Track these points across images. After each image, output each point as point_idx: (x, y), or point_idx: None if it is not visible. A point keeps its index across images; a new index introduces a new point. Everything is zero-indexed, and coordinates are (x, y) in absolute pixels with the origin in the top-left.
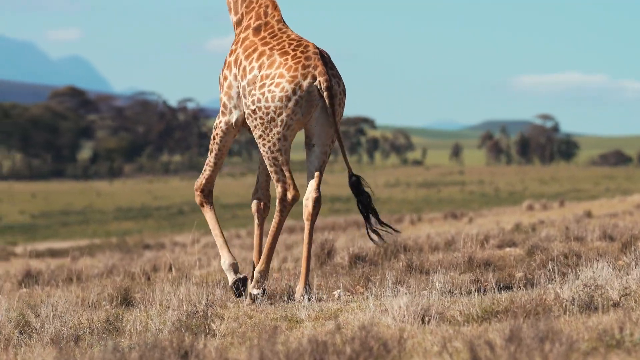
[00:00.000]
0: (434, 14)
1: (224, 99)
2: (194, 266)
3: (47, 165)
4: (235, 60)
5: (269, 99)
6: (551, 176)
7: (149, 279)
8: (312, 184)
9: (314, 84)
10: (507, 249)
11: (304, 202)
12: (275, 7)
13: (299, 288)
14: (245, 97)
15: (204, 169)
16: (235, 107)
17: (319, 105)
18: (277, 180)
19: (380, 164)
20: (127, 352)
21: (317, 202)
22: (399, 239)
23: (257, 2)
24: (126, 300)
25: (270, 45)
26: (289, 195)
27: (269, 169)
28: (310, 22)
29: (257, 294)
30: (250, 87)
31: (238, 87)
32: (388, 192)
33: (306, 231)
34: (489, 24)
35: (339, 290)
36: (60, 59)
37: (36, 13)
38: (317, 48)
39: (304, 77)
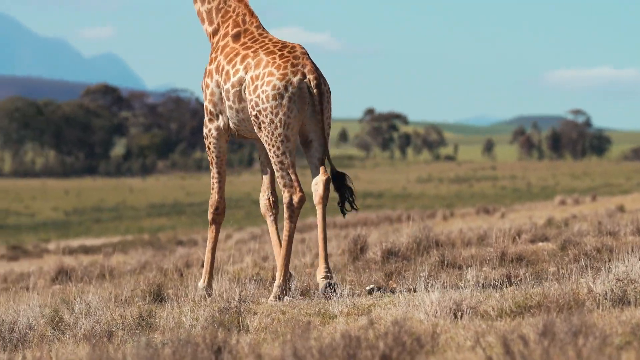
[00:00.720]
0: (466, 9)
1: (209, 106)
2: (227, 262)
3: (80, 162)
4: (217, 67)
5: (264, 100)
6: (583, 171)
7: (181, 275)
8: (319, 169)
9: (304, 80)
10: (540, 244)
11: (313, 187)
12: (252, 14)
13: (319, 272)
14: (229, 100)
15: (212, 184)
16: (220, 112)
17: (310, 103)
18: (284, 185)
19: (413, 160)
20: (160, 348)
21: (327, 183)
22: (432, 234)
23: (233, 11)
24: (159, 297)
25: (253, 49)
26: (295, 199)
27: (276, 174)
28: (340, 17)
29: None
30: (235, 88)
31: (221, 93)
32: (420, 188)
33: (320, 215)
34: (521, 19)
35: (371, 286)
36: (94, 57)
37: (69, 11)
38: (304, 49)
39: (294, 74)
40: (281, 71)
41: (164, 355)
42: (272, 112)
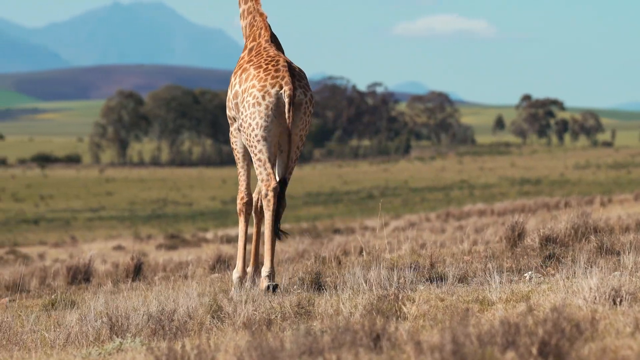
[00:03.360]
0: None
1: (228, 112)
2: (384, 250)
3: None
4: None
5: (246, 108)
6: None
7: (339, 263)
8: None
9: (280, 91)
10: None
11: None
12: (266, 29)
13: (264, 270)
14: (233, 110)
15: (238, 180)
16: (234, 118)
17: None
18: (261, 180)
19: (570, 146)
20: (319, 335)
21: (278, 191)
22: (590, 221)
23: (256, 26)
24: (317, 284)
25: (251, 62)
26: (270, 188)
27: (256, 171)
28: (495, 3)
29: (271, 287)
30: (235, 100)
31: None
32: (578, 174)
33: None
34: None
35: (530, 272)
36: None
37: (225, 0)
38: (288, 63)
39: (272, 85)
40: (261, 83)
41: (322, 343)
42: (250, 117)
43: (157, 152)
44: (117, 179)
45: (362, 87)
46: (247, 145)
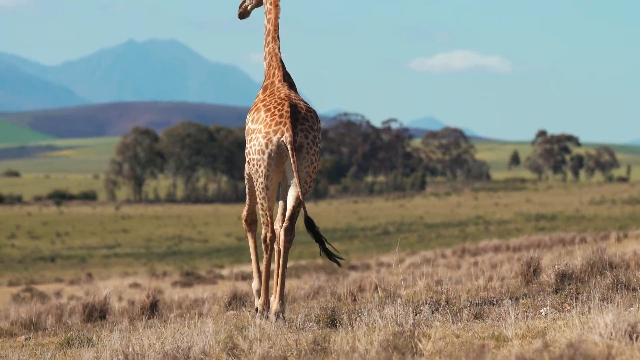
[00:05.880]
0: (636, 29)
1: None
2: (400, 286)
3: None
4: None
5: (252, 152)
6: None
7: (355, 299)
8: (286, 216)
9: (282, 138)
10: None
11: (278, 231)
12: (279, 69)
13: (274, 304)
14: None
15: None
16: None
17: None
18: (263, 223)
19: (585, 182)
20: None
21: (287, 231)
22: (605, 256)
23: (272, 66)
24: (333, 321)
25: (264, 102)
26: (269, 235)
27: (260, 212)
28: (509, 39)
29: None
30: (247, 136)
31: None
32: (593, 210)
33: (282, 257)
34: None
35: (545, 308)
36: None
37: (240, 37)
38: (292, 106)
39: (275, 132)
40: (266, 129)
41: None
42: (256, 164)
43: (173, 188)
44: (132, 216)
45: (378, 122)
46: (255, 186)
